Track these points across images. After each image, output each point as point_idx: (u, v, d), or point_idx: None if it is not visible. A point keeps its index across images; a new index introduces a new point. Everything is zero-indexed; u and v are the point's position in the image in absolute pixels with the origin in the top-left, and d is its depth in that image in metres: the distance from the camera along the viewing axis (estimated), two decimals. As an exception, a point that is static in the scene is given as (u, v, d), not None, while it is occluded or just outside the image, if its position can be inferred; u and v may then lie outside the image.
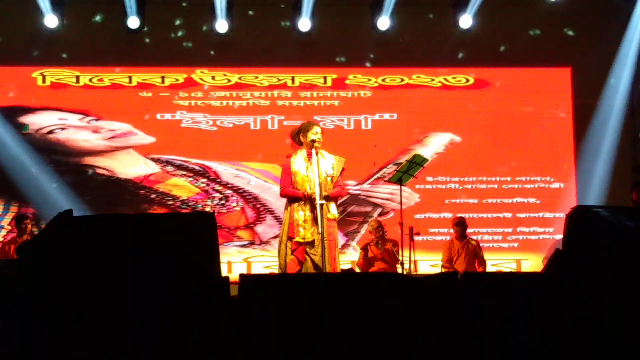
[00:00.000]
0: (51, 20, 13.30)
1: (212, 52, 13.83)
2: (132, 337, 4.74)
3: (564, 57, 14.07)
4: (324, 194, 8.42)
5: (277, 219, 13.25)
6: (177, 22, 13.74)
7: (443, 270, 12.18)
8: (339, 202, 9.00)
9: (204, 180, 13.59)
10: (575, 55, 14.06)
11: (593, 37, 13.96)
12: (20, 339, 4.81)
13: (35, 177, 13.28)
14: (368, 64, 13.97)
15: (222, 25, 13.49)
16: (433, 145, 13.84)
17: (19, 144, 13.33)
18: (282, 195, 8.81)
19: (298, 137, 8.79)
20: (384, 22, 13.66)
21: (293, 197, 8.60)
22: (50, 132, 13.49)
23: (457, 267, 11.93)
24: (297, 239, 8.47)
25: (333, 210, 8.53)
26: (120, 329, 4.74)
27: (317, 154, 8.56)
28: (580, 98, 13.98)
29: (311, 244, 8.44)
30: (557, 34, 13.97)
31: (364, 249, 12.06)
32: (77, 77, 13.60)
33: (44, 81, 13.57)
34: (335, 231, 8.65)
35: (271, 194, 13.37)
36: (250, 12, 13.87)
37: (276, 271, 9.23)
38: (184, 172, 13.58)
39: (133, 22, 13.42)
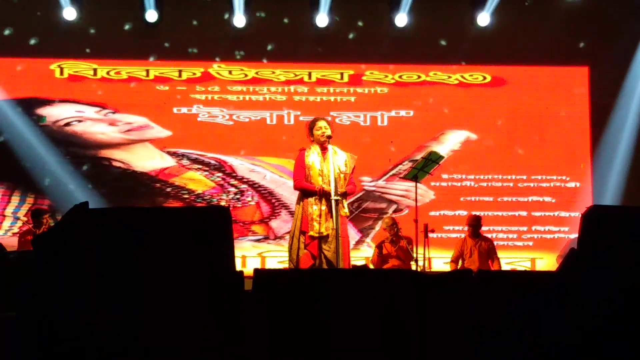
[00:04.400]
0: (70, 13, 13.34)
1: (229, 47, 13.82)
2: (147, 330, 4.76)
3: (582, 55, 14.03)
4: (341, 190, 8.43)
5: (292, 214, 13.18)
6: (195, 16, 13.74)
7: (449, 267, 12.25)
8: (351, 199, 9.02)
9: (220, 174, 13.61)
10: (593, 54, 14.02)
11: (611, 36, 13.91)
12: (35, 330, 4.83)
13: (52, 168, 13.32)
14: (385, 61, 13.93)
15: (239, 20, 13.50)
16: (449, 143, 13.82)
17: (36, 135, 13.38)
18: (297, 188, 8.78)
19: (310, 132, 8.79)
20: (401, 19, 13.65)
21: (308, 190, 8.58)
22: (68, 124, 13.54)
23: (470, 266, 11.90)
24: (311, 233, 8.46)
25: (345, 207, 8.54)
26: (135, 322, 4.76)
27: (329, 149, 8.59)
28: (598, 97, 13.94)
29: (325, 238, 8.44)
30: (575, 33, 13.92)
31: (379, 246, 12.06)
32: (95, 70, 13.64)
33: (61, 73, 13.61)
34: (347, 227, 8.67)
35: (286, 189, 13.38)
36: (268, 7, 13.86)
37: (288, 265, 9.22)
38: (200, 166, 13.61)
39: (151, 15, 13.44)
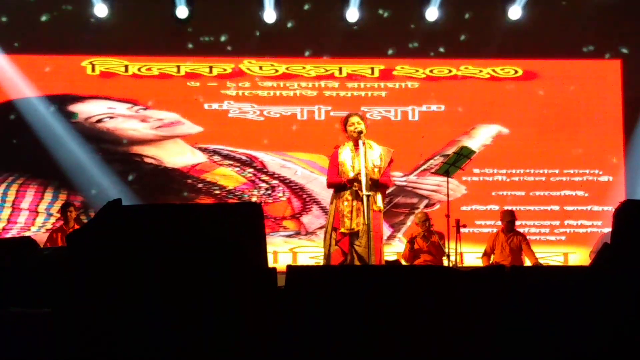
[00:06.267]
0: (101, 10, 13.41)
1: (259, 43, 13.82)
2: (180, 327, 4.78)
3: (615, 49, 13.94)
4: (374, 177, 8.42)
5: (323, 209, 13.27)
6: (225, 12, 13.76)
7: (481, 261, 12.25)
8: (386, 192, 8.99)
9: (251, 170, 13.63)
10: (626, 46, 13.93)
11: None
12: (69, 326, 4.86)
13: (84, 165, 13.40)
14: (416, 55, 13.89)
15: (270, 15, 13.52)
16: (480, 137, 13.77)
17: (68, 132, 13.46)
18: (329, 185, 8.81)
19: (345, 128, 8.78)
20: (432, 13, 13.60)
21: (339, 185, 8.59)
22: (99, 120, 13.61)
23: (502, 261, 11.89)
24: (342, 229, 8.46)
25: (379, 202, 8.52)
26: (169, 319, 4.78)
27: (364, 144, 8.53)
28: (631, 91, 13.84)
29: (356, 234, 8.43)
30: (607, 25, 13.82)
31: (411, 241, 12.03)
32: (126, 67, 13.71)
33: (93, 70, 13.68)
34: (380, 223, 8.63)
35: (317, 185, 13.39)
36: (298, 2, 13.86)
37: (322, 261, 9.24)
38: (231, 162, 13.64)
39: (182, 11, 13.48)
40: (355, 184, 8.45)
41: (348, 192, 8.52)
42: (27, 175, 13.49)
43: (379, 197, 8.53)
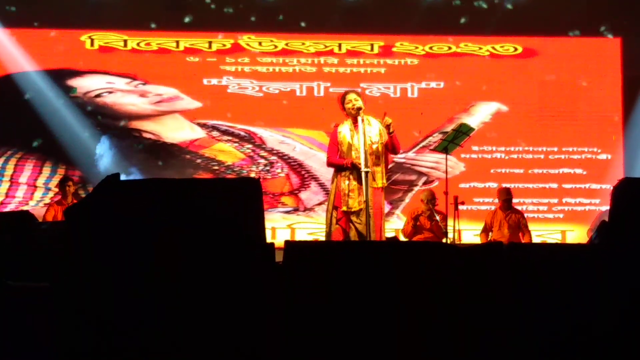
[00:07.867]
0: (100, -16, 13.39)
1: (259, 18, 13.77)
2: (178, 303, 4.78)
3: (615, 27, 13.90)
4: (391, 128, 8.48)
5: (322, 186, 13.26)
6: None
7: (480, 238, 12.24)
8: (388, 166, 8.99)
9: (250, 146, 13.62)
10: (625, 25, 13.89)
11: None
12: (67, 300, 4.87)
13: (82, 140, 13.38)
14: (415, 32, 13.85)
15: (269, -9, 13.50)
16: (480, 115, 13.75)
17: (67, 106, 13.43)
18: (329, 165, 8.84)
19: (342, 106, 8.78)
20: (432, -11, 13.60)
21: (339, 166, 8.60)
22: (98, 95, 13.59)
23: (499, 239, 11.88)
24: (343, 208, 8.48)
25: (379, 179, 8.52)
26: (166, 294, 4.79)
27: (362, 121, 8.53)
28: (630, 69, 13.81)
29: (357, 213, 8.44)
30: (607, 3, 13.79)
31: (415, 218, 11.98)
32: (125, 41, 13.67)
33: (92, 45, 13.65)
34: (381, 200, 8.63)
35: (316, 161, 13.38)
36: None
37: (320, 238, 9.26)
38: (230, 138, 13.62)
39: (181, -14, 13.47)
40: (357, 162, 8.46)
41: (349, 170, 8.52)
42: (25, 150, 13.48)
43: (379, 174, 8.53)
